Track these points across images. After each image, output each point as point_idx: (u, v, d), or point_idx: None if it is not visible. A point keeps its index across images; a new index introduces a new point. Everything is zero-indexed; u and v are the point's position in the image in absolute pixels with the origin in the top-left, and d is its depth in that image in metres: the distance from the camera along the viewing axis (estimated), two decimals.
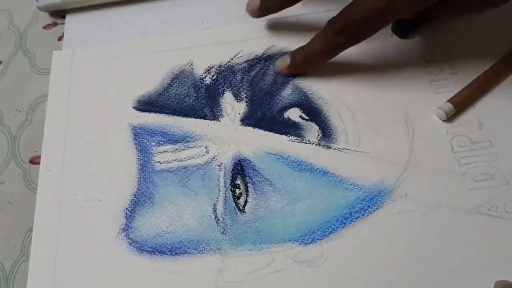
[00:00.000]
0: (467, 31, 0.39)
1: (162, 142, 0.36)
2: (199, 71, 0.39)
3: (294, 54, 0.38)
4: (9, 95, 0.41)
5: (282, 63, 0.38)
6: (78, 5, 0.44)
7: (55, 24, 0.44)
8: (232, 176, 0.35)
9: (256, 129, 0.36)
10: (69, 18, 0.44)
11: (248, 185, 0.34)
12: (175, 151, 0.36)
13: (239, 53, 0.40)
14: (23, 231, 0.35)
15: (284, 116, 0.37)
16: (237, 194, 0.34)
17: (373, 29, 0.34)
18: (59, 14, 0.44)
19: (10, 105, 0.40)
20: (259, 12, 0.38)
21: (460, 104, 0.36)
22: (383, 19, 0.33)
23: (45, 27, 0.44)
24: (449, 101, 0.35)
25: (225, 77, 0.39)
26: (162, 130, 0.37)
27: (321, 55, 0.36)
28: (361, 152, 0.35)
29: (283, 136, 0.36)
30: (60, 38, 0.43)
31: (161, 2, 0.44)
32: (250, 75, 0.39)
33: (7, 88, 0.41)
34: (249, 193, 0.34)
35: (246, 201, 0.34)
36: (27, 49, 0.43)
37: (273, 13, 0.39)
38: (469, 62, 0.38)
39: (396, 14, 0.33)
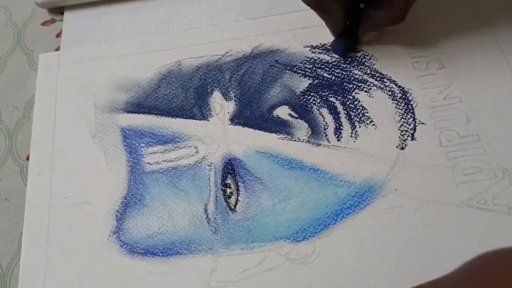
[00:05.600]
0: (454, 26, 0.40)
1: (151, 143, 0.36)
2: (187, 71, 0.39)
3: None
4: (7, 92, 0.41)
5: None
6: (77, 2, 0.43)
7: (53, 20, 0.44)
8: (222, 176, 0.34)
9: (246, 128, 0.36)
10: (67, 15, 0.44)
11: (239, 184, 0.34)
12: (165, 151, 0.36)
13: (227, 52, 0.40)
14: (20, 228, 0.34)
15: (273, 114, 0.37)
16: (228, 193, 0.34)
17: None
18: (57, 10, 0.44)
19: (8, 102, 0.40)
20: None
21: None
22: None
23: (43, 24, 0.44)
24: None
25: (213, 76, 0.39)
26: (151, 131, 0.37)
27: None
28: (351, 148, 0.35)
29: (273, 135, 0.36)
30: (59, 35, 0.43)
31: None
32: (238, 74, 0.39)
33: (5, 85, 0.41)
34: (240, 192, 0.34)
35: (237, 200, 0.34)
36: (25, 45, 0.43)
37: None
38: (455, 58, 0.38)
39: None
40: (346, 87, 0.38)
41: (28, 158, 0.37)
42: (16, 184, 0.36)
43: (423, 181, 0.33)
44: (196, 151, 0.36)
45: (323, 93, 0.37)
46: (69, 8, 0.44)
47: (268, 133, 0.36)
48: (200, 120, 0.37)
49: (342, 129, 0.36)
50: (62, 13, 0.44)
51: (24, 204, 0.35)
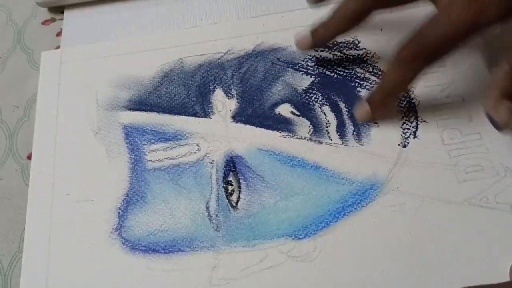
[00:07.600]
0: None
1: (153, 141, 0.36)
2: (189, 68, 0.39)
3: (372, 97, 0.35)
4: (7, 91, 0.41)
5: (362, 111, 0.35)
6: (77, 1, 0.43)
7: (53, 20, 0.44)
8: (224, 173, 0.35)
9: (248, 125, 0.36)
10: (67, 14, 0.44)
11: (241, 181, 0.34)
12: (167, 149, 0.36)
13: (229, 50, 0.40)
14: (21, 227, 0.34)
15: (275, 112, 0.37)
16: (229, 190, 0.34)
17: (453, 47, 0.31)
18: (57, 9, 0.44)
19: (8, 101, 0.40)
20: (310, 46, 0.37)
21: None
22: (465, 35, 0.30)
23: (43, 23, 0.44)
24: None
25: (215, 74, 0.39)
26: (153, 129, 0.37)
27: (398, 88, 0.34)
28: (353, 146, 0.35)
29: (275, 132, 0.36)
30: (59, 34, 0.43)
31: None
32: (240, 72, 0.39)
33: (5, 84, 0.41)
34: (241, 190, 0.34)
35: (238, 198, 0.34)
36: (25, 44, 0.43)
37: (324, 45, 0.39)
38: (458, 56, 0.38)
39: (482, 27, 0.30)
40: (348, 85, 0.37)
41: (28, 157, 0.37)
42: (16, 183, 0.36)
43: (425, 179, 0.33)
44: (198, 149, 0.36)
45: (325, 91, 0.37)
46: (69, 7, 0.44)
47: (270, 131, 0.36)
48: (202, 117, 0.37)
49: (344, 127, 0.36)
50: (62, 12, 0.44)
51: (24, 203, 0.35)
